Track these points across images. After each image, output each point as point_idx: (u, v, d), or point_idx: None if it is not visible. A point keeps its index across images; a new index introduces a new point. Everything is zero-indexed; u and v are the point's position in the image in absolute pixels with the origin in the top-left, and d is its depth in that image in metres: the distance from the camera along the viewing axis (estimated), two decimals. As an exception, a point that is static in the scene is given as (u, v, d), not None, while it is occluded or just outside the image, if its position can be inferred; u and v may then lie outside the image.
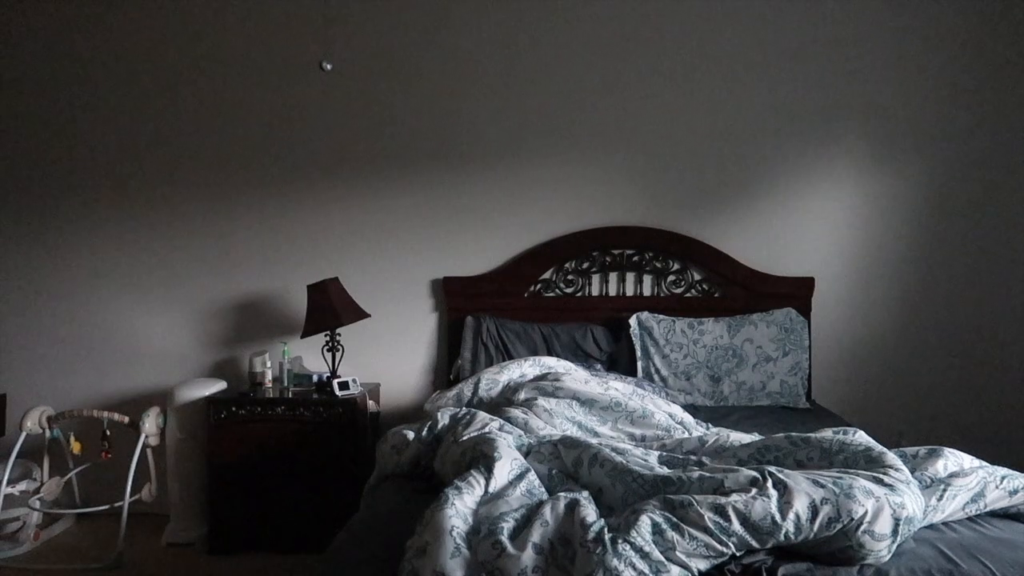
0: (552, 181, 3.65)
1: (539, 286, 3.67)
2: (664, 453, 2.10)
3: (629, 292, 3.65)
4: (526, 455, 2.14)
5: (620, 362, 3.47)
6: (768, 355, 3.40)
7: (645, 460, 1.97)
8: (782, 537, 1.63)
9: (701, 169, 3.62)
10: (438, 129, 3.65)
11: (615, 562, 1.51)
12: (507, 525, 1.68)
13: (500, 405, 2.81)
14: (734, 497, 1.67)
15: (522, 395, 2.78)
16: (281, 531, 3.26)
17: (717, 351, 3.41)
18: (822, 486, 1.69)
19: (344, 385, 3.30)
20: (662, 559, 1.56)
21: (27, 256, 3.76)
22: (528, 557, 1.57)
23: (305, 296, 3.46)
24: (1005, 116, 3.55)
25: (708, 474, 1.80)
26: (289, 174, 3.70)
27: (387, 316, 3.69)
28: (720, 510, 1.63)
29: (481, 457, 2.02)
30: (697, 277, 3.64)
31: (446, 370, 3.67)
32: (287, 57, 3.64)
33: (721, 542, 1.61)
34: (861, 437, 2.15)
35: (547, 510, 1.72)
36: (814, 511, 1.64)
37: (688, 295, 3.63)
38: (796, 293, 3.57)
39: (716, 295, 3.63)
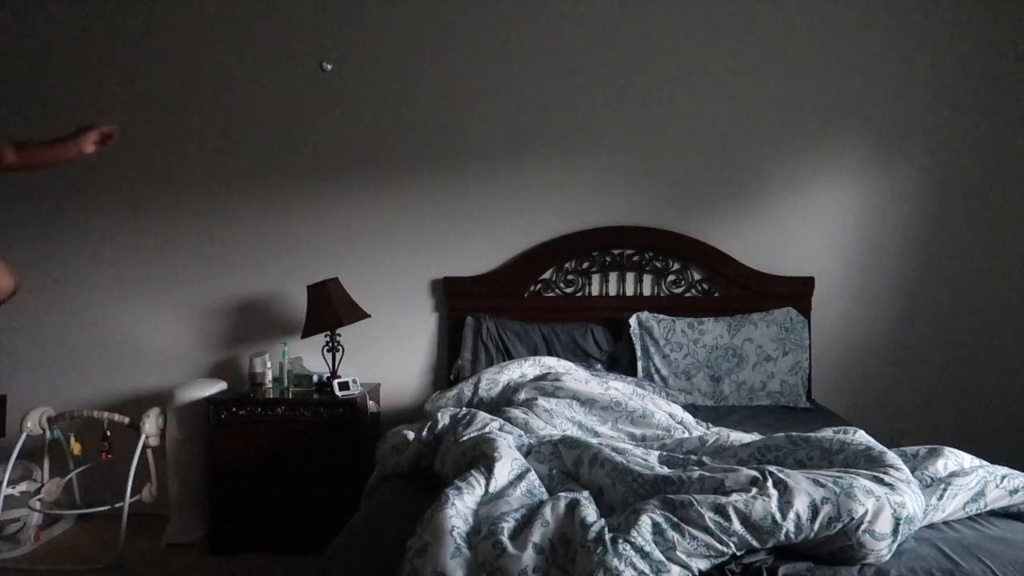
0: (552, 181, 3.65)
1: (539, 286, 3.67)
2: (664, 453, 2.10)
3: (629, 292, 3.65)
4: (526, 455, 2.14)
5: (620, 362, 3.47)
6: (768, 355, 3.40)
7: (645, 460, 1.98)
8: (782, 537, 1.63)
9: (701, 169, 3.62)
10: (438, 129, 3.65)
11: (615, 562, 1.51)
12: (507, 525, 1.68)
13: (500, 405, 2.81)
14: (734, 497, 1.67)
15: (522, 395, 2.78)
16: (281, 531, 3.26)
17: (717, 351, 3.41)
18: (822, 485, 1.69)
19: (344, 385, 3.30)
20: (662, 559, 1.56)
21: (27, 257, 3.75)
22: (528, 557, 1.57)
23: (305, 296, 3.46)
24: (1005, 116, 3.55)
25: (708, 474, 1.80)
26: (289, 174, 3.70)
27: (387, 316, 3.69)
28: (720, 510, 1.64)
29: (481, 457, 2.03)
30: (697, 277, 3.64)
31: (446, 370, 3.67)
32: (287, 57, 3.65)
33: (721, 542, 1.61)
34: (861, 437, 2.15)
35: (547, 510, 1.72)
36: (814, 510, 1.64)
37: (688, 295, 3.63)
38: (796, 293, 3.57)
39: (716, 295, 3.63)
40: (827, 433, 2.16)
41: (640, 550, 1.55)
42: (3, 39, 3.71)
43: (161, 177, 3.72)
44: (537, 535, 1.63)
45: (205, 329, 3.76)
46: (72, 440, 3.40)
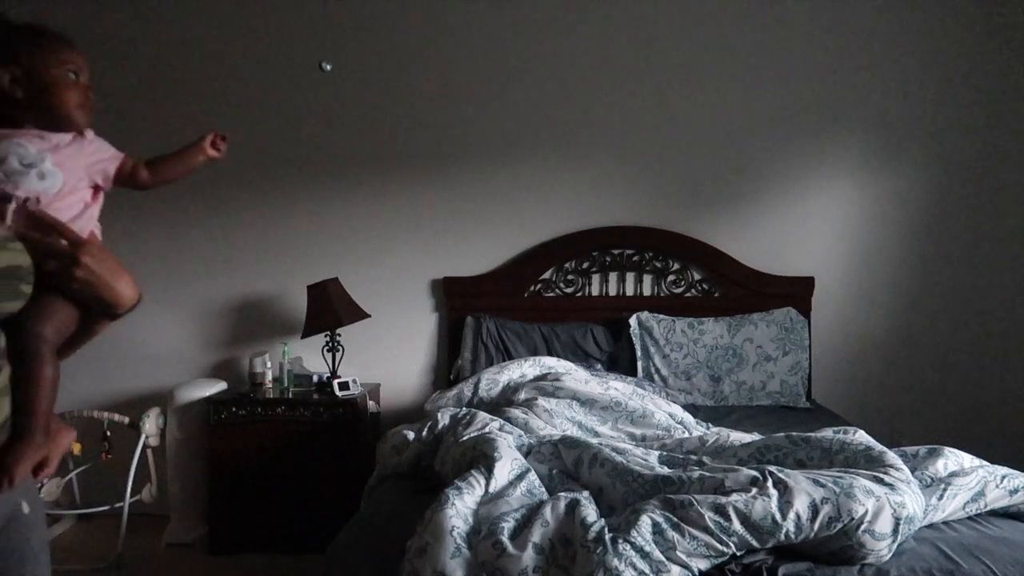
0: (552, 181, 3.65)
1: (539, 286, 3.67)
2: (664, 453, 2.10)
3: (629, 292, 3.65)
4: (526, 455, 2.14)
5: (620, 362, 3.47)
6: (768, 355, 3.40)
7: (645, 460, 1.97)
8: (782, 537, 1.63)
9: (701, 169, 3.62)
10: (438, 128, 3.65)
11: (615, 562, 1.51)
12: (507, 525, 1.68)
13: (500, 405, 2.81)
14: (734, 497, 1.67)
15: (522, 395, 2.78)
16: (281, 531, 3.25)
17: (717, 351, 3.41)
18: (822, 485, 1.69)
19: (344, 385, 3.30)
20: (662, 559, 1.56)
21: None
22: (528, 557, 1.57)
23: (305, 296, 3.46)
24: (1005, 116, 3.55)
25: (708, 474, 1.80)
26: (289, 174, 3.70)
27: (387, 316, 3.69)
28: (720, 510, 1.64)
29: (481, 457, 2.02)
30: (697, 277, 3.64)
31: (446, 370, 3.67)
32: (287, 57, 3.65)
33: (721, 542, 1.61)
34: (861, 437, 2.15)
35: (547, 510, 1.72)
36: (814, 510, 1.64)
37: (688, 295, 3.63)
38: (796, 293, 3.57)
39: (716, 295, 3.63)
40: (827, 433, 2.16)
41: (640, 550, 1.55)
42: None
43: (161, 177, 3.72)
44: (537, 535, 1.63)
45: (205, 329, 3.75)
46: (72, 440, 3.39)
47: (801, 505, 1.64)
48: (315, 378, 3.47)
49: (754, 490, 1.68)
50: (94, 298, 1.13)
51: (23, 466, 1.06)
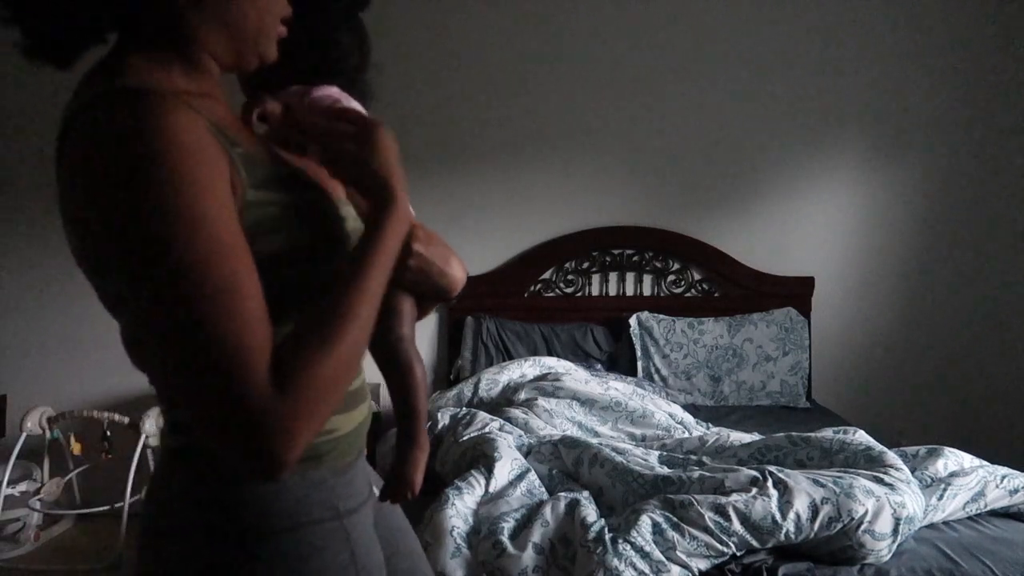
0: (552, 181, 3.64)
1: (539, 286, 3.66)
2: (664, 453, 2.10)
3: (629, 292, 3.65)
4: (526, 455, 2.14)
5: (620, 362, 3.47)
6: (768, 355, 3.40)
7: (645, 460, 1.98)
8: (782, 537, 1.63)
9: (701, 169, 3.62)
10: (437, 128, 3.65)
11: (615, 562, 1.52)
12: (507, 525, 1.68)
13: (500, 405, 2.81)
14: (734, 497, 1.67)
15: (522, 395, 2.79)
16: (281, 531, 3.25)
17: (717, 351, 3.41)
18: (822, 486, 1.69)
19: (344, 385, 3.29)
20: (662, 559, 1.56)
21: (27, 256, 3.75)
22: (528, 557, 1.58)
23: (305, 296, 3.45)
24: (1005, 115, 3.55)
25: (708, 474, 1.80)
26: (289, 174, 3.69)
27: (387, 316, 3.68)
28: (720, 510, 1.64)
29: (481, 457, 2.03)
30: (697, 277, 3.64)
31: (446, 370, 3.67)
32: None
33: (721, 542, 1.61)
34: (861, 437, 2.15)
35: (547, 510, 1.73)
36: (814, 510, 1.64)
37: (688, 295, 3.63)
38: (796, 293, 3.57)
39: (716, 295, 3.63)
40: (827, 433, 2.16)
41: (640, 550, 1.56)
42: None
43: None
44: (537, 535, 1.64)
45: (205, 329, 3.74)
46: (72, 440, 3.39)
47: (801, 505, 1.64)
48: (315, 378, 3.46)
49: (754, 490, 1.69)
50: (429, 286, 1.08)
51: (421, 473, 1.06)
